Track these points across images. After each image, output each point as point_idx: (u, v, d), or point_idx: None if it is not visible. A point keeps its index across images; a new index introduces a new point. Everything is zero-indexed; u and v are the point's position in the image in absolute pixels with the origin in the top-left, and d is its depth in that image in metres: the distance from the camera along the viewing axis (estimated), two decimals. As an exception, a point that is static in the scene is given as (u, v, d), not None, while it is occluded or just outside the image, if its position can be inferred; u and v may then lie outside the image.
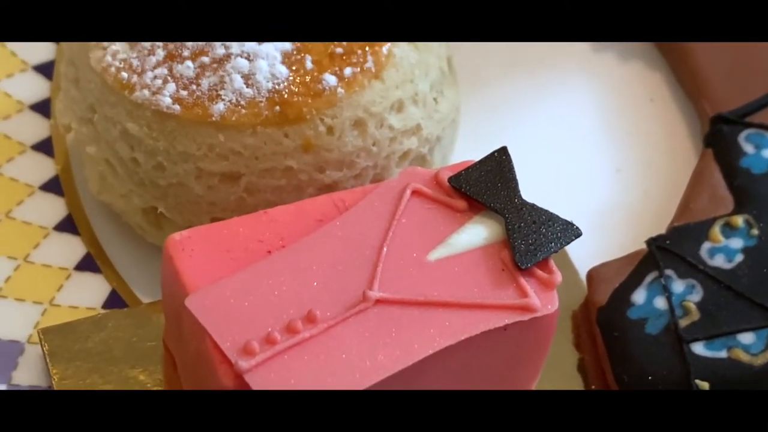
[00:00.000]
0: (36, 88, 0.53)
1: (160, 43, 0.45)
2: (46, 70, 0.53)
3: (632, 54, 0.54)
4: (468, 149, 0.50)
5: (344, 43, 0.45)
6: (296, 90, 0.44)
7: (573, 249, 0.45)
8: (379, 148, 0.46)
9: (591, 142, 0.52)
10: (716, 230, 0.46)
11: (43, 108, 0.52)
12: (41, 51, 0.53)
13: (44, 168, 0.51)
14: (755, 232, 0.46)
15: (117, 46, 0.45)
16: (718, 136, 0.49)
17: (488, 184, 0.42)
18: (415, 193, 0.42)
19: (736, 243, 0.46)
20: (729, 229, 0.46)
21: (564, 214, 0.47)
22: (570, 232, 0.42)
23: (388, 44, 0.45)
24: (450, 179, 0.42)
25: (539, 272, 0.41)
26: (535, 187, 0.47)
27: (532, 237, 0.41)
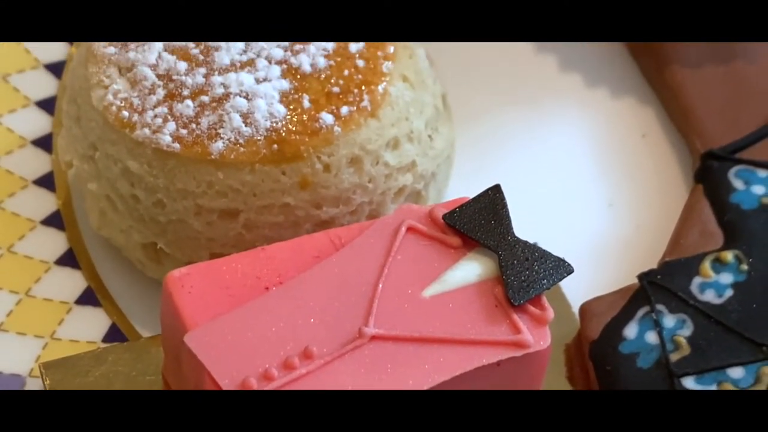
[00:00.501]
0: (38, 123, 0.53)
1: (161, 83, 0.46)
2: (47, 105, 0.54)
3: (624, 89, 0.55)
4: (463, 184, 0.51)
5: (341, 82, 0.46)
6: (294, 129, 0.45)
7: (566, 283, 0.46)
8: (375, 185, 0.47)
9: (583, 177, 0.53)
10: (706, 265, 0.47)
11: (44, 143, 0.53)
12: (43, 86, 0.54)
13: (46, 202, 0.51)
14: (744, 267, 0.47)
15: (118, 86, 0.46)
16: (709, 172, 0.50)
17: (482, 221, 0.43)
18: (410, 229, 0.43)
19: (726, 278, 0.47)
20: (719, 265, 0.47)
21: (557, 247, 0.48)
22: (562, 268, 0.43)
23: (384, 83, 0.46)
24: (444, 216, 0.43)
25: (532, 308, 0.42)
26: (528, 221, 0.48)
27: (524, 274, 0.42)
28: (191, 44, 0.47)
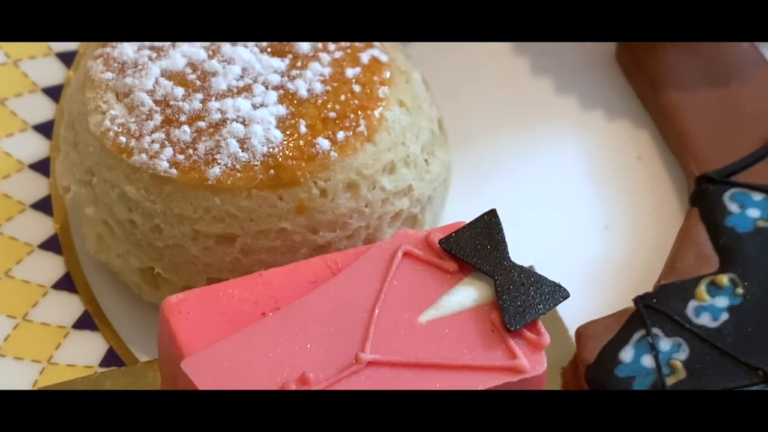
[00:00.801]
0: (36, 147, 0.54)
1: (158, 108, 0.46)
2: (45, 129, 0.54)
3: (619, 112, 0.55)
4: (459, 208, 0.51)
5: (337, 107, 0.46)
6: (290, 154, 0.45)
7: (562, 306, 0.46)
8: (372, 210, 0.47)
9: (579, 199, 0.53)
10: (702, 289, 0.47)
11: (42, 167, 0.53)
12: (41, 110, 0.55)
13: (43, 227, 0.51)
14: (740, 291, 0.47)
15: (116, 111, 0.46)
16: (704, 196, 0.50)
17: (478, 246, 0.43)
18: (407, 255, 0.43)
19: (722, 302, 0.47)
20: (714, 288, 0.47)
21: (553, 270, 0.48)
22: (558, 293, 0.43)
23: (380, 108, 0.47)
24: (440, 241, 0.43)
25: (528, 334, 0.42)
26: (524, 243, 0.48)
27: (521, 299, 0.42)
28: (188, 70, 0.47)
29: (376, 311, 0.42)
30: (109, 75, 0.47)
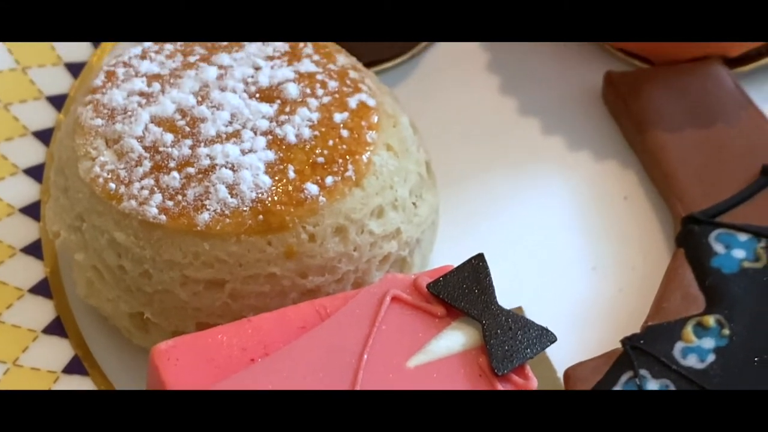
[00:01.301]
0: (26, 191, 0.54)
1: (147, 154, 0.46)
2: (36, 173, 0.54)
3: (606, 153, 0.56)
4: (448, 250, 0.52)
5: (325, 152, 0.47)
6: (279, 199, 0.45)
7: (551, 347, 0.46)
8: (360, 253, 0.47)
9: (567, 240, 0.53)
10: (689, 330, 0.48)
11: (32, 211, 0.53)
12: (31, 154, 0.55)
13: (33, 271, 0.52)
14: (726, 332, 0.47)
15: (105, 157, 0.47)
16: (690, 236, 0.50)
17: (466, 291, 0.44)
18: (395, 299, 0.44)
19: (708, 343, 0.47)
20: (701, 329, 0.48)
21: (542, 311, 0.48)
22: (545, 338, 0.43)
23: (368, 153, 0.47)
24: (428, 286, 0.44)
25: (516, 378, 0.42)
26: (512, 285, 0.49)
27: (508, 343, 0.42)
28: (177, 116, 0.47)
29: (365, 356, 0.42)
30: (98, 121, 0.48)
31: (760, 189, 0.51)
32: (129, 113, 0.48)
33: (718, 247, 0.50)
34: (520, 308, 0.50)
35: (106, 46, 0.58)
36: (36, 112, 0.56)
